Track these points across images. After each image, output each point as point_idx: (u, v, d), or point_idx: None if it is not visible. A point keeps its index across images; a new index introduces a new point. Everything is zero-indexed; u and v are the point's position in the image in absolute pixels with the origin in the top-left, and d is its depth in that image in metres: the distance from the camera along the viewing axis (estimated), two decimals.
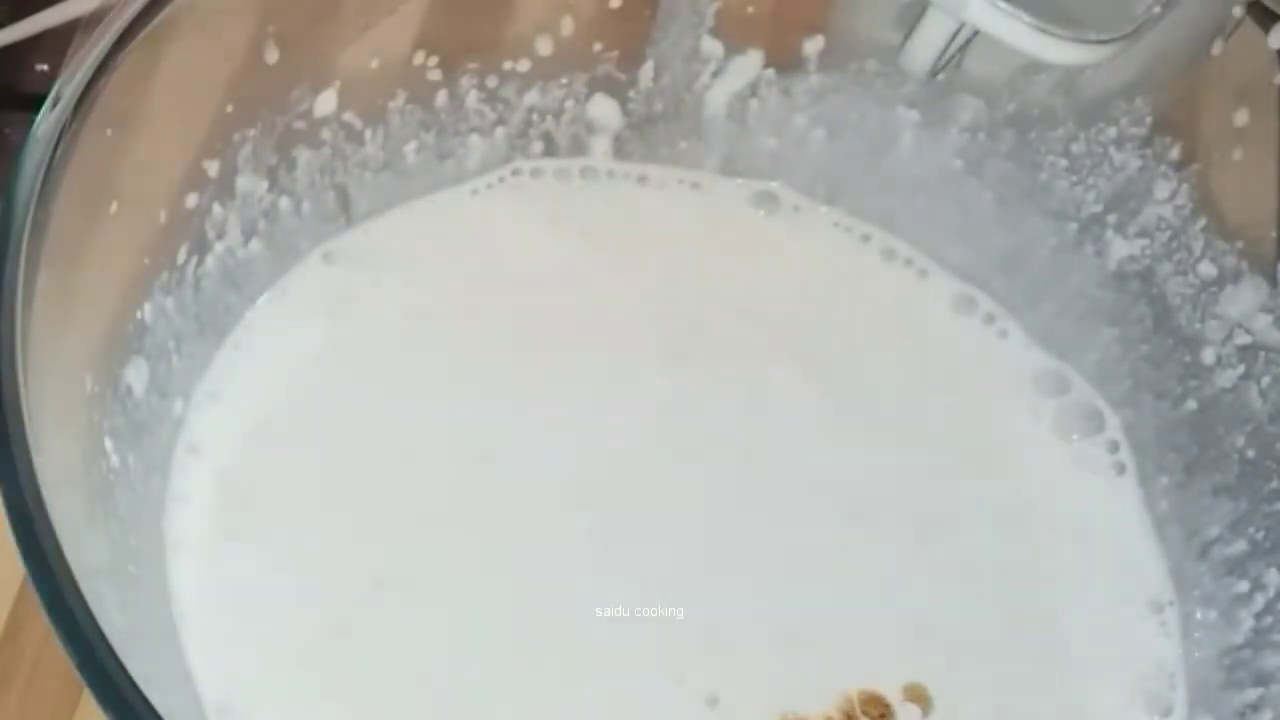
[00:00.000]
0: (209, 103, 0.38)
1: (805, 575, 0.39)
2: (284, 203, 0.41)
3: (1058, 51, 0.38)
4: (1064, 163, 0.43)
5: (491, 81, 0.44)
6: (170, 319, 0.38)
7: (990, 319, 0.45)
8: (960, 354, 0.44)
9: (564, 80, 0.44)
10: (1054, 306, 0.44)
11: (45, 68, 0.49)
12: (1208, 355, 0.40)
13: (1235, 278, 0.40)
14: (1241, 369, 0.40)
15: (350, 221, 0.43)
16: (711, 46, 0.44)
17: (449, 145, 0.44)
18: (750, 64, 0.45)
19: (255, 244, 0.41)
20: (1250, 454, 0.39)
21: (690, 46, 0.44)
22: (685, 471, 0.41)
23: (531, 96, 0.44)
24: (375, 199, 0.44)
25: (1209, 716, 0.38)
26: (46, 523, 0.28)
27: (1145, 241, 0.42)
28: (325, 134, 0.41)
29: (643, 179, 0.46)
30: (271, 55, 0.38)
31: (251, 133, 0.39)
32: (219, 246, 0.40)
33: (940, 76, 0.41)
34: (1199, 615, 0.40)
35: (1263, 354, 0.39)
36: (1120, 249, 0.42)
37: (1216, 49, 0.39)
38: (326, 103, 0.41)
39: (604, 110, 0.45)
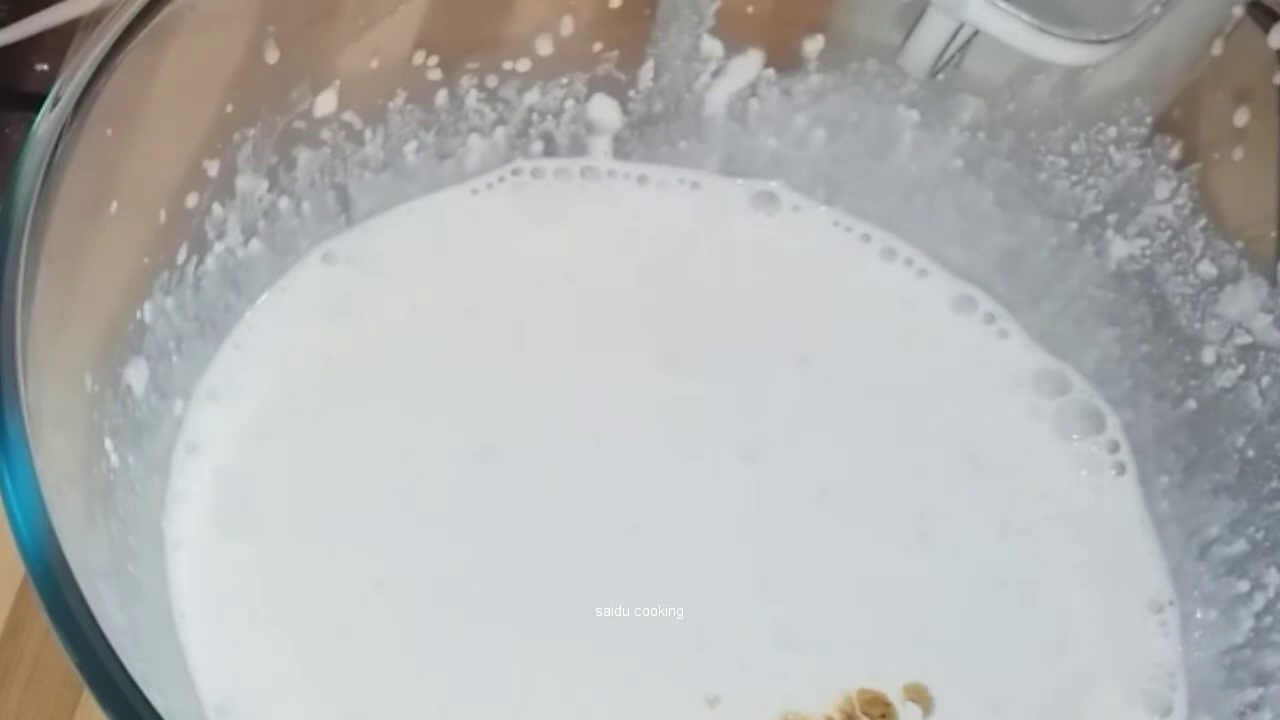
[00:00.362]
0: (209, 103, 0.38)
1: (805, 575, 0.39)
2: (284, 203, 0.41)
3: (1058, 51, 0.38)
4: (1064, 163, 0.43)
5: (491, 81, 0.44)
6: (170, 319, 0.38)
7: (990, 319, 0.45)
8: (960, 354, 0.44)
9: (564, 80, 0.44)
10: (1054, 306, 0.44)
11: (45, 68, 0.49)
12: (1208, 355, 0.40)
13: (1235, 278, 0.40)
14: (1241, 369, 0.40)
15: (350, 221, 0.43)
16: (711, 46, 0.44)
17: (449, 145, 0.44)
18: (750, 64, 0.45)
19: (255, 244, 0.41)
20: (1250, 454, 0.39)
21: (690, 46, 0.44)
22: (685, 471, 0.41)
23: (531, 96, 0.44)
24: (375, 199, 0.44)
25: (1209, 716, 0.38)
26: (46, 523, 0.28)
27: (1145, 241, 0.42)
28: (325, 134, 0.41)
29: (643, 179, 0.46)
30: (271, 55, 0.38)
31: (251, 133, 0.39)
32: (219, 246, 0.40)
33: (940, 76, 0.41)
34: (1199, 615, 0.40)
35: (1263, 354, 0.39)
36: (1120, 249, 0.42)
37: (1216, 49, 0.39)
38: (326, 103, 0.41)
39: (604, 110, 0.45)
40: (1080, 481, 0.42)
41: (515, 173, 0.45)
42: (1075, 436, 0.43)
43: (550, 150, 0.46)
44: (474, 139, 0.44)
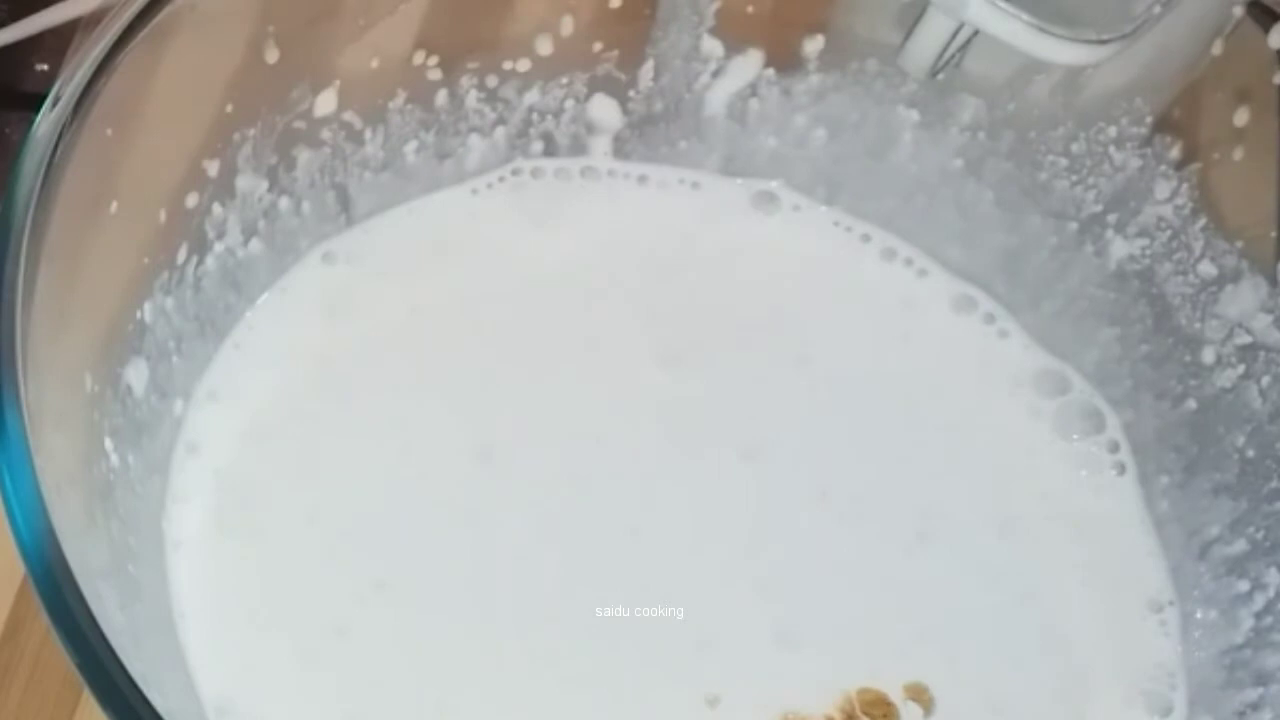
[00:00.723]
0: (209, 103, 0.38)
1: (805, 575, 0.39)
2: (284, 202, 0.41)
3: (1058, 51, 0.38)
4: (1064, 163, 0.43)
5: (491, 81, 0.44)
6: (170, 319, 0.38)
7: (990, 319, 0.45)
8: (960, 354, 0.44)
9: (564, 80, 0.44)
10: (1054, 306, 0.44)
11: (45, 68, 0.49)
12: (1208, 355, 0.40)
13: (1235, 278, 0.40)
14: (1241, 369, 0.40)
15: (350, 221, 0.43)
16: (711, 46, 0.44)
17: (449, 145, 0.44)
18: (750, 64, 0.45)
19: (255, 244, 0.41)
20: (1250, 454, 0.39)
21: (690, 46, 0.44)
22: (685, 471, 0.41)
23: (531, 96, 0.44)
24: (375, 199, 0.44)
25: (1209, 716, 0.38)
26: (46, 523, 0.28)
27: (1145, 241, 0.42)
28: (325, 134, 0.41)
29: (643, 179, 0.46)
30: (271, 55, 0.38)
31: (251, 133, 0.39)
32: (219, 246, 0.40)
33: (940, 76, 0.41)
34: (1199, 615, 0.40)
35: (1263, 354, 0.39)
36: (1120, 249, 0.42)
37: (1216, 49, 0.39)
38: (326, 102, 0.41)
39: (604, 110, 0.45)
40: (1080, 481, 0.42)
41: (515, 173, 0.45)
42: (1075, 436, 0.43)
43: (550, 150, 0.46)
44: (474, 139, 0.44)
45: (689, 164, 0.46)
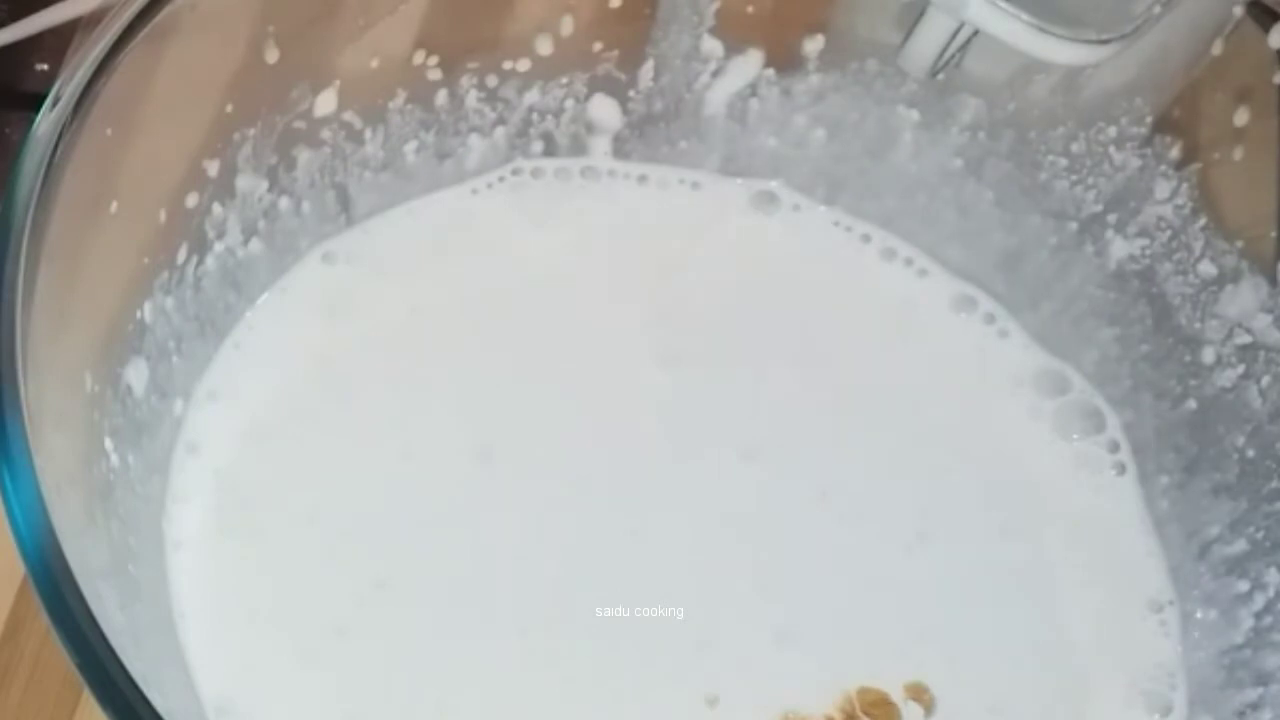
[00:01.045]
0: (209, 103, 0.38)
1: (805, 574, 0.39)
2: (284, 202, 0.41)
3: (1058, 51, 0.38)
4: (1064, 163, 0.43)
5: (491, 81, 0.44)
6: (170, 319, 0.38)
7: (990, 319, 0.45)
8: (960, 354, 0.44)
9: (564, 80, 0.44)
10: (1054, 306, 0.44)
11: (45, 68, 0.49)
12: (1208, 355, 0.40)
13: (1235, 278, 0.40)
14: (1241, 369, 0.40)
15: (350, 221, 0.43)
16: (711, 46, 0.44)
17: (449, 145, 0.44)
18: (750, 64, 0.45)
19: (255, 244, 0.41)
20: (1250, 454, 0.39)
21: (690, 46, 0.44)
22: (685, 471, 0.41)
23: (531, 96, 0.44)
24: (375, 199, 0.44)
25: (1209, 716, 0.38)
26: (46, 523, 0.28)
27: (1145, 241, 0.42)
28: (325, 134, 0.41)
29: (643, 179, 0.46)
30: (271, 55, 0.38)
31: (251, 132, 0.39)
32: (219, 246, 0.40)
33: (940, 76, 0.41)
34: (1199, 615, 0.40)
35: (1263, 354, 0.39)
36: (1120, 249, 0.42)
37: (1216, 49, 0.39)
38: (326, 102, 0.41)
39: (604, 110, 0.45)
40: (1080, 481, 0.42)
41: (515, 173, 0.45)
42: (1075, 436, 0.43)
43: (550, 150, 0.46)
44: (474, 139, 0.44)
45: (689, 164, 0.46)
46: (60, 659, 0.27)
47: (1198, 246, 0.41)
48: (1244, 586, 0.39)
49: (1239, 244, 0.40)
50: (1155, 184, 0.41)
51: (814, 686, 0.38)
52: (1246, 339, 0.40)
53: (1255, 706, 0.37)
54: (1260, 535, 0.39)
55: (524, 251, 0.44)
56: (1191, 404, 0.41)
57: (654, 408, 0.42)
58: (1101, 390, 0.43)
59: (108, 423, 0.35)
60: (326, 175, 0.42)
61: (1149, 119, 0.41)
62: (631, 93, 0.45)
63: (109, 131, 0.33)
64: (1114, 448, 0.43)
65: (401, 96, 0.42)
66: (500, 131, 0.45)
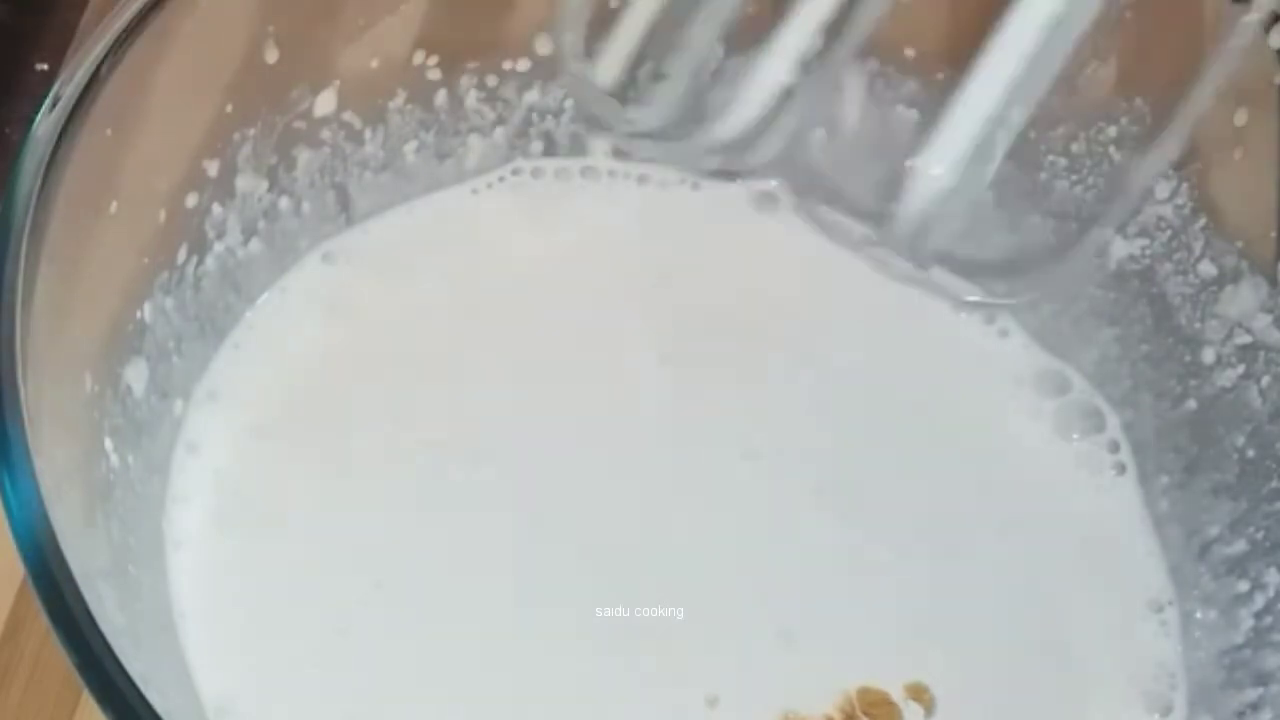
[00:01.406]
0: (209, 103, 0.38)
1: (805, 574, 0.39)
2: (284, 202, 0.41)
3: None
4: (1064, 162, 0.43)
5: (491, 81, 0.44)
6: (170, 319, 0.38)
7: (990, 319, 0.45)
8: (960, 354, 0.44)
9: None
10: (1054, 306, 0.44)
11: (45, 68, 0.49)
12: (1208, 355, 0.40)
13: (1235, 278, 0.40)
14: (1241, 369, 0.40)
15: (350, 221, 0.43)
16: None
17: (449, 145, 0.44)
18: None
19: (255, 244, 0.41)
20: (1250, 454, 0.39)
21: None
22: (686, 471, 0.41)
23: (531, 96, 0.44)
24: (375, 199, 0.44)
25: (1209, 716, 0.38)
26: (46, 523, 0.28)
27: (1145, 241, 0.42)
28: (325, 134, 0.41)
29: (643, 179, 0.46)
30: (271, 55, 0.38)
31: (251, 132, 0.39)
32: (219, 246, 0.40)
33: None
34: (1199, 615, 0.40)
35: (1263, 354, 0.39)
36: (1120, 249, 0.42)
37: (1217, 49, 0.39)
38: (326, 102, 0.41)
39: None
40: (1080, 481, 0.42)
41: (515, 172, 0.45)
42: (1075, 436, 0.43)
43: (550, 150, 0.46)
44: (474, 139, 0.44)
45: (689, 164, 0.46)
46: (60, 659, 0.27)
47: (1198, 246, 0.41)
48: (1244, 586, 0.39)
49: (1239, 244, 0.40)
50: (1155, 184, 0.41)
51: (814, 686, 0.37)
52: (1246, 339, 0.40)
53: (1255, 706, 0.37)
54: (1260, 535, 0.39)
55: (524, 251, 0.44)
56: (1191, 404, 0.41)
57: (654, 407, 0.42)
58: (1101, 390, 0.43)
59: (108, 423, 0.35)
60: (326, 175, 0.42)
61: (1149, 119, 0.41)
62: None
63: (109, 131, 0.33)
64: (1114, 448, 0.43)
65: (401, 96, 0.42)
66: (500, 131, 0.45)
